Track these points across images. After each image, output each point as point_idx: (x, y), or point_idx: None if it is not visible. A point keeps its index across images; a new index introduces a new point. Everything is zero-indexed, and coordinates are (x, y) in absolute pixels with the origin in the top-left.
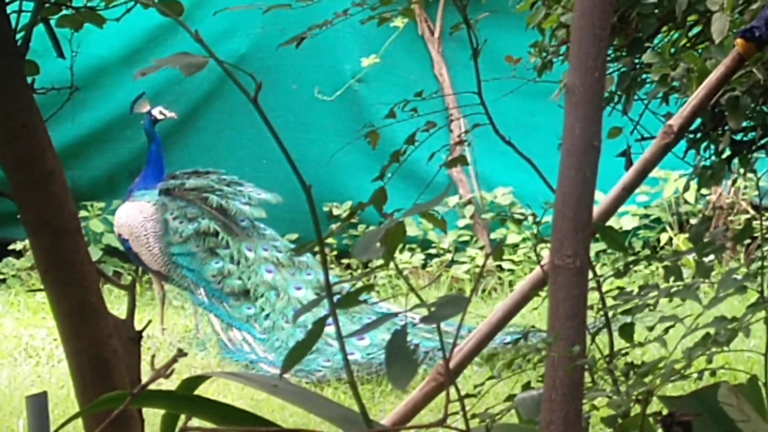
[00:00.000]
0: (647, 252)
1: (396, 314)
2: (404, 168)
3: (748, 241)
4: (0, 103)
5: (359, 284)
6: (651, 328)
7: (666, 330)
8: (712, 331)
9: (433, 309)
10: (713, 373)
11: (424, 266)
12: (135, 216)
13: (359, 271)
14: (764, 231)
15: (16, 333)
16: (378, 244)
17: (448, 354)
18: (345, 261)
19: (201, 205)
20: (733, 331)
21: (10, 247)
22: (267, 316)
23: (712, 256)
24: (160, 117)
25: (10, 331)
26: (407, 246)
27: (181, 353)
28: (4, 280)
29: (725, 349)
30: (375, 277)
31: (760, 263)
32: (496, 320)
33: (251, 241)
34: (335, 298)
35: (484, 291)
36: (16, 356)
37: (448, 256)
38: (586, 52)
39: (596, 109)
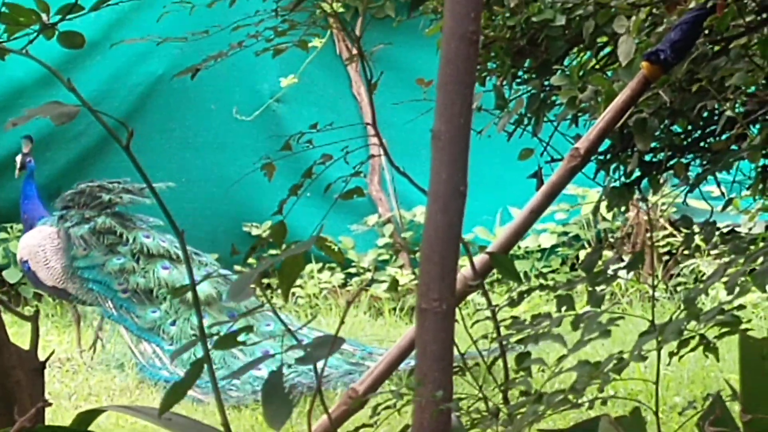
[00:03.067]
0: (542, 281)
1: (272, 356)
2: (321, 184)
3: (666, 257)
4: None
5: (238, 325)
6: (527, 363)
7: (560, 359)
8: (574, 375)
9: (308, 350)
10: (604, 402)
11: (343, 285)
12: (34, 236)
13: (278, 291)
14: (681, 250)
15: None
16: (253, 287)
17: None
18: (265, 281)
19: (97, 208)
20: (594, 379)
21: None
22: (173, 322)
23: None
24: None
25: None
26: (327, 265)
27: (46, 403)
28: None
29: (616, 377)
30: (293, 300)
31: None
32: (405, 343)
33: (148, 231)
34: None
35: (402, 310)
36: None
37: (368, 275)
38: (451, 99)
39: (462, 154)
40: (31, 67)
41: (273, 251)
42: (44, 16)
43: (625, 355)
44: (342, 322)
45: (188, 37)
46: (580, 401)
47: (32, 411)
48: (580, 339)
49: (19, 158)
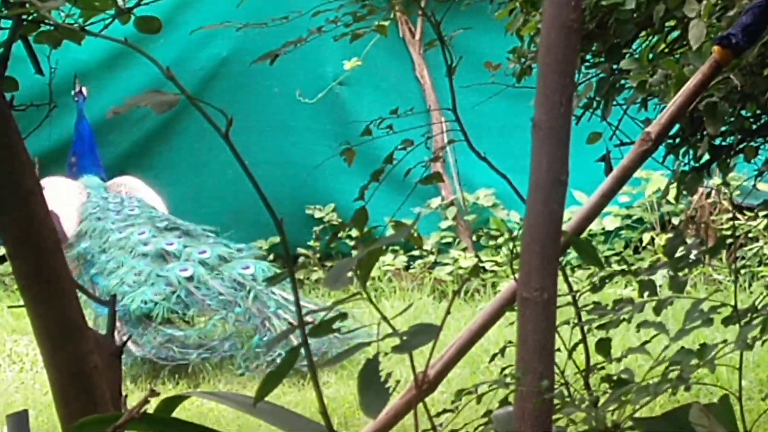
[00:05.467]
0: (622, 266)
1: (368, 344)
2: (391, 170)
3: (730, 240)
4: None
5: (332, 313)
6: (618, 359)
7: (644, 343)
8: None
9: (404, 338)
10: (688, 389)
11: (407, 268)
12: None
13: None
14: (741, 234)
15: (0, 339)
16: (350, 274)
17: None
18: (329, 263)
19: None
20: (697, 366)
21: None
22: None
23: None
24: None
25: None
26: (390, 248)
27: (153, 393)
28: None
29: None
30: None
31: (734, 273)
32: (476, 327)
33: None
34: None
35: (466, 293)
36: (0, 363)
37: (431, 258)
38: (551, 88)
39: (563, 143)
40: (95, 49)
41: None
42: (120, 1)
43: (730, 345)
44: (448, 312)
45: (268, 23)
46: (665, 388)
47: (141, 401)
48: (682, 327)
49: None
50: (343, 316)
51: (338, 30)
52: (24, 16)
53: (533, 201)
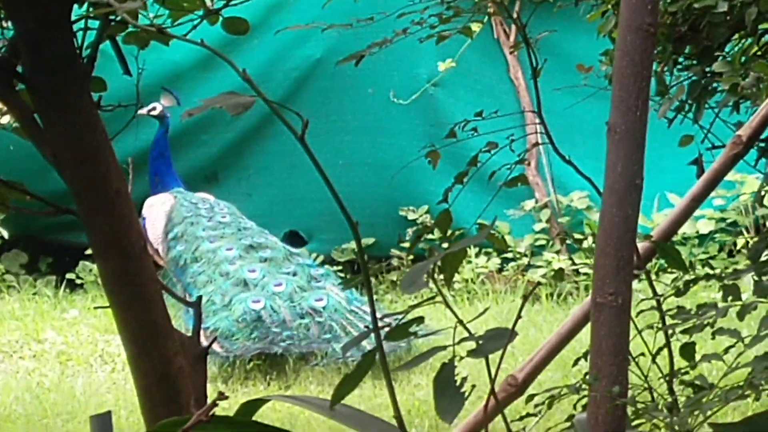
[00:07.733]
0: (707, 270)
1: (444, 347)
2: (481, 171)
3: None
4: (66, 124)
5: (408, 316)
6: (693, 367)
7: (726, 350)
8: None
9: (480, 342)
10: (758, 397)
11: (500, 270)
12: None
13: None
14: None
15: (92, 339)
16: (425, 278)
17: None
18: None
19: None
20: None
21: (87, 252)
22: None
23: None
24: (167, 105)
25: (86, 338)
26: (483, 250)
27: (222, 396)
28: (81, 285)
29: None
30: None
31: None
32: (565, 331)
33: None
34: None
35: (559, 296)
36: (92, 363)
37: (525, 260)
38: (627, 91)
39: (638, 147)
40: (188, 50)
41: (429, 236)
42: (208, 2)
43: None
44: (519, 316)
45: (353, 24)
46: (735, 396)
47: (209, 404)
48: (756, 334)
49: (157, 106)
50: (419, 319)
51: (425, 32)
52: (111, 16)
53: (608, 205)
